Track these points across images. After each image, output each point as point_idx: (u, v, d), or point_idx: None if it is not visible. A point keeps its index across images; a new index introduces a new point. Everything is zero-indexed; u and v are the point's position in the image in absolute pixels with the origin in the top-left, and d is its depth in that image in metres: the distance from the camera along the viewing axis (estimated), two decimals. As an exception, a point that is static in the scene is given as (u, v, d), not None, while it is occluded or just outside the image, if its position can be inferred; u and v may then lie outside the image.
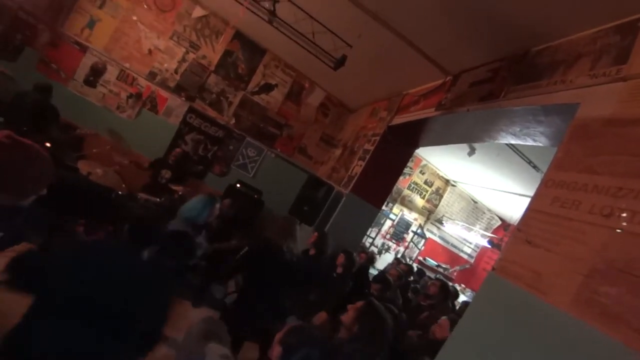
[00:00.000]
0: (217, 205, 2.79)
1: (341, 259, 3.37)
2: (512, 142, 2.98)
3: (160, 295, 1.54)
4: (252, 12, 3.54)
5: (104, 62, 5.02)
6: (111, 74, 5.08)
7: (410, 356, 2.42)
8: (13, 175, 0.89)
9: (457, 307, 4.17)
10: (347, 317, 1.85)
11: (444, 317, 2.66)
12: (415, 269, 5.85)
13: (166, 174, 4.61)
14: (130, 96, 5.19)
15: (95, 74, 5.02)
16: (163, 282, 1.59)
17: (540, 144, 2.63)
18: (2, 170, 0.87)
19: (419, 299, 3.96)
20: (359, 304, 1.88)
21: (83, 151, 4.36)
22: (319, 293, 3.10)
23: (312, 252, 3.36)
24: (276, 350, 1.35)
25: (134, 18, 5.03)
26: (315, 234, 3.57)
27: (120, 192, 3.94)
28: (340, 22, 3.43)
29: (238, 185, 5.39)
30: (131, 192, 4.09)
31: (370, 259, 4.56)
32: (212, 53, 5.44)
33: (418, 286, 5.12)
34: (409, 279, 4.81)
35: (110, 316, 1.34)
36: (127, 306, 1.38)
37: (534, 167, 4.35)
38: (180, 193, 4.52)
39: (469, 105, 2.84)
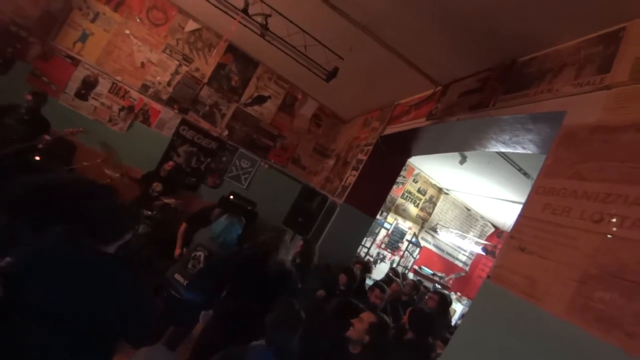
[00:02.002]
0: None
1: (343, 279, 3.35)
2: (502, 150, 3.03)
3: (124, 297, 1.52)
4: (245, 26, 3.59)
5: (95, 75, 5.01)
6: (103, 87, 5.06)
7: None
8: None
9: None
10: (354, 331, 1.87)
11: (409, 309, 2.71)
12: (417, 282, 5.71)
13: (157, 186, 4.56)
14: (122, 109, 5.17)
15: (87, 87, 5.00)
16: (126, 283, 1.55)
17: (530, 152, 2.67)
18: None
19: None
20: (366, 316, 1.91)
21: (74, 164, 4.30)
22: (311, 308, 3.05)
23: (298, 261, 3.31)
24: (266, 319, 1.66)
25: (127, 32, 5.05)
26: (300, 242, 3.54)
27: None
28: (332, 35, 3.49)
29: (231, 197, 5.35)
30: (122, 206, 4.03)
31: (366, 269, 4.52)
32: (205, 66, 5.47)
33: (415, 298, 5.06)
34: (414, 296, 4.71)
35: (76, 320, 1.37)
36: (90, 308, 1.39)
37: (525, 174, 4.42)
38: (172, 205, 4.47)
39: (459, 115, 2.90)
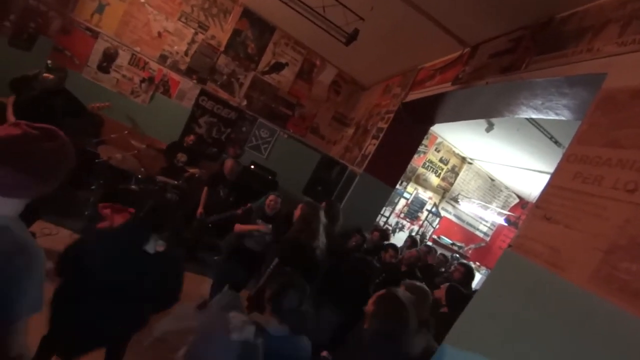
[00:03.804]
0: (271, 196, 3.16)
1: (356, 238, 3.42)
2: (533, 116, 2.86)
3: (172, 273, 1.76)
4: (260, -12, 3.45)
5: (115, 47, 5.04)
6: (123, 58, 5.10)
7: None
8: (43, 164, 0.90)
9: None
10: (367, 307, 1.81)
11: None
12: (437, 251, 5.73)
13: (182, 157, 4.70)
14: (143, 80, 5.23)
15: (108, 60, 5.06)
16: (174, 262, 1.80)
17: (563, 118, 2.51)
18: (34, 160, 0.88)
19: (439, 282, 3.96)
20: (378, 292, 1.83)
21: (102, 137, 4.48)
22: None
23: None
24: (267, 292, 1.60)
25: (142, 0, 4.98)
26: (323, 203, 3.56)
27: (139, 176, 4.06)
28: (352, -6, 3.30)
29: (252, 167, 5.45)
30: (150, 176, 4.21)
31: (384, 236, 4.58)
32: (221, 33, 5.37)
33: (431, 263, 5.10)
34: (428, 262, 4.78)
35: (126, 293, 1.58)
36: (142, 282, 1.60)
37: (555, 142, 4.19)
38: (196, 175, 4.62)
39: (489, 78, 2.73)
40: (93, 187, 3.94)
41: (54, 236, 3.22)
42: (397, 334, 1.67)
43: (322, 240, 2.51)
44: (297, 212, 2.57)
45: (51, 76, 3.23)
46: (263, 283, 2.32)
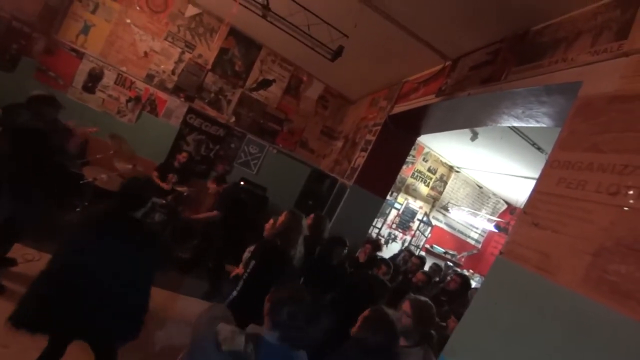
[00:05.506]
0: (271, 220, 3.01)
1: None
2: (515, 124, 2.95)
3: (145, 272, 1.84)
4: (246, 7, 3.51)
5: (101, 68, 5.02)
6: (109, 78, 5.08)
7: None
8: None
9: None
10: (355, 327, 1.78)
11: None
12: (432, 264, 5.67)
13: (172, 178, 4.64)
14: (129, 100, 5.20)
15: (94, 80, 5.03)
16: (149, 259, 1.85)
17: (544, 125, 2.60)
18: None
19: (434, 294, 3.93)
20: (366, 312, 1.80)
21: (87, 157, 4.39)
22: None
23: (307, 234, 3.33)
24: (266, 306, 1.51)
25: (128, 21, 5.00)
26: (311, 216, 3.53)
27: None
28: (335, 12, 3.39)
29: (242, 183, 5.41)
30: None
31: (376, 247, 4.56)
32: (208, 51, 5.42)
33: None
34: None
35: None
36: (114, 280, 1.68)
37: (538, 148, 4.31)
38: (185, 194, 4.56)
39: (470, 90, 2.81)
40: (78, 209, 3.83)
41: (37, 262, 3.09)
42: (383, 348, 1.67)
43: (299, 250, 2.50)
44: (280, 219, 2.58)
45: (42, 93, 3.18)
46: (240, 289, 2.26)
